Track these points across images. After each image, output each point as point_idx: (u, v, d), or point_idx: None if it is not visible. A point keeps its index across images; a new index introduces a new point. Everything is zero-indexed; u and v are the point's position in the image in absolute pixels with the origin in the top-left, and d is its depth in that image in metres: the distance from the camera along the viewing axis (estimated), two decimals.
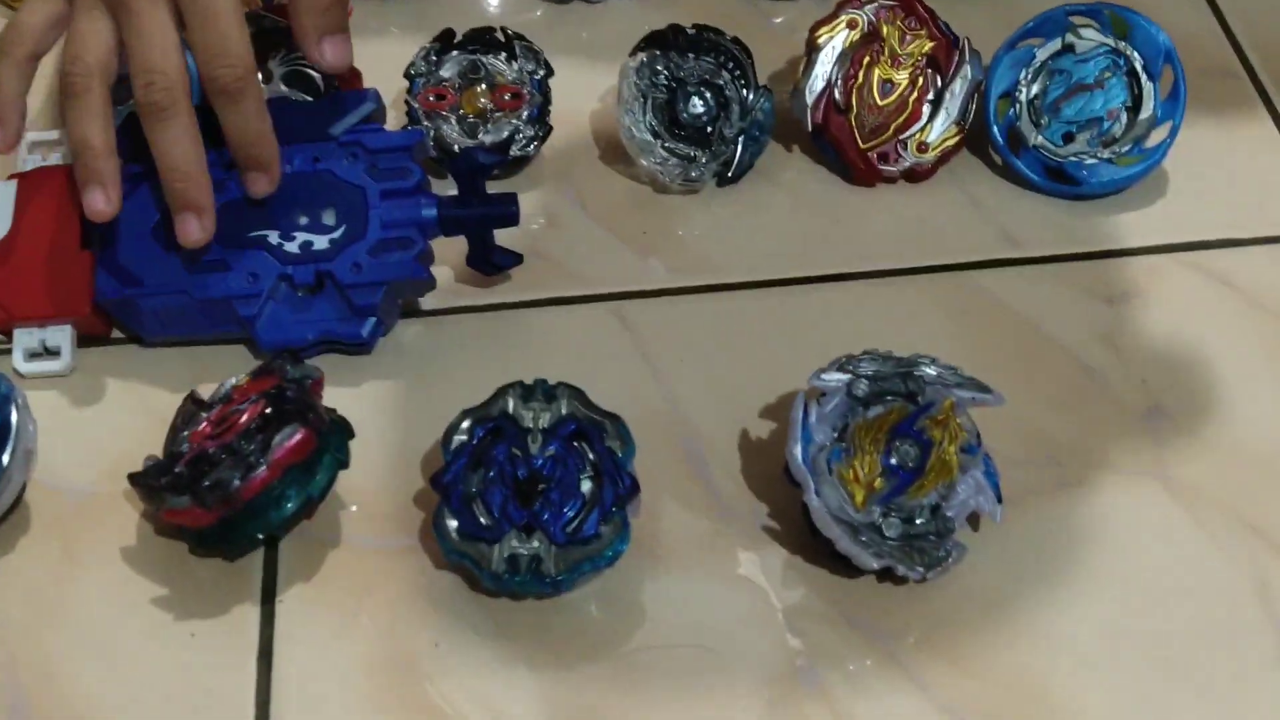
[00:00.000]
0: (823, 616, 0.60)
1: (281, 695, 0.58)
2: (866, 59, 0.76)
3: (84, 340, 0.69)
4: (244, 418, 0.60)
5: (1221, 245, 0.74)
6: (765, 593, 0.61)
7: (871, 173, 0.76)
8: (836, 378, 0.61)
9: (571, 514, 0.59)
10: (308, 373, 0.62)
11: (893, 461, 0.61)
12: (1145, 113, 0.74)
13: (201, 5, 0.63)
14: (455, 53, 0.77)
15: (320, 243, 0.68)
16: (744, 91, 0.75)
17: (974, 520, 0.63)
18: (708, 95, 0.75)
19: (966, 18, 0.78)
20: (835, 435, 0.61)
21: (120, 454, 0.64)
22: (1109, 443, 0.66)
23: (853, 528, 0.59)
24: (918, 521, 0.60)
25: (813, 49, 0.76)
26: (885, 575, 0.61)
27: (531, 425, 0.61)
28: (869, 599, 0.61)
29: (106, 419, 0.67)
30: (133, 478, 0.60)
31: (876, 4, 0.76)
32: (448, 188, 0.69)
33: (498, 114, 0.76)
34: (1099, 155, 0.74)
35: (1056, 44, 0.75)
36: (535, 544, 0.59)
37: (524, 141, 0.75)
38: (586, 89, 0.80)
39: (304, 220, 0.68)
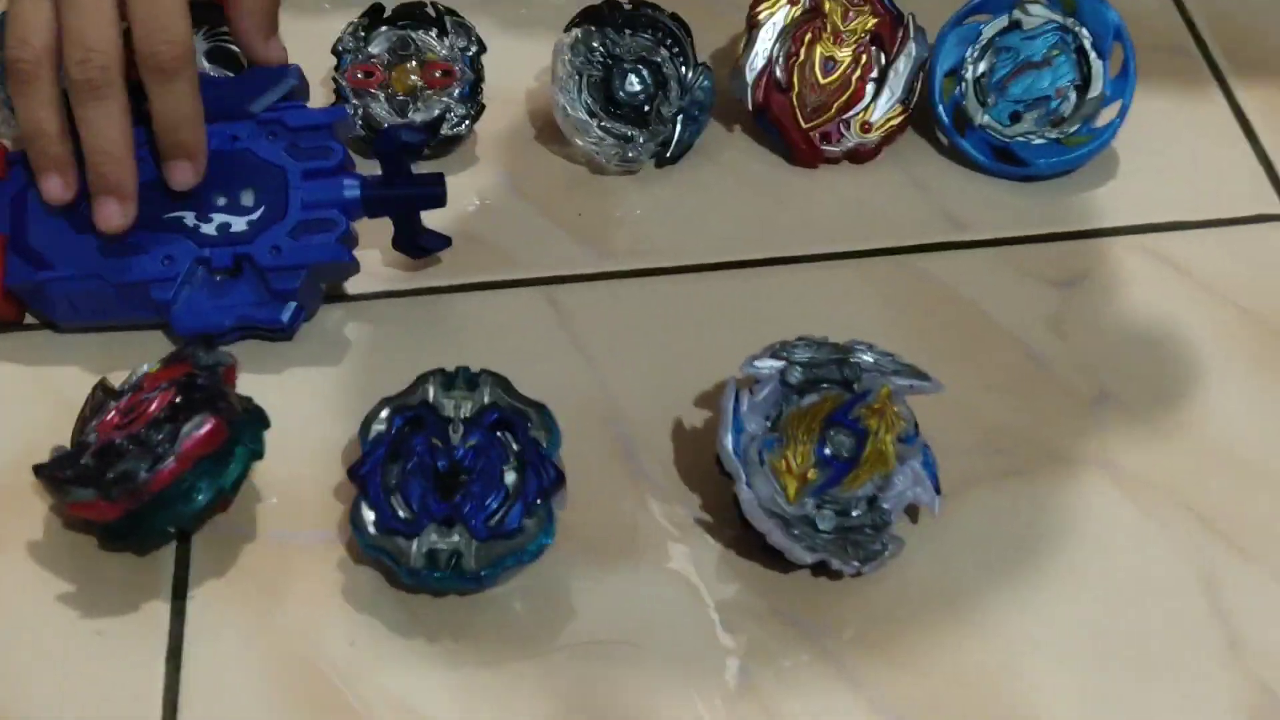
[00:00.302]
0: (756, 612, 0.58)
1: (190, 696, 0.56)
2: (808, 36, 0.74)
3: None
4: (153, 407, 0.58)
5: (1173, 228, 0.72)
6: (697, 588, 0.59)
7: (813, 153, 0.74)
8: (769, 364, 0.59)
9: (494, 507, 0.57)
10: (220, 359, 0.60)
11: (827, 452, 0.59)
12: (1094, 91, 0.73)
13: None
14: (384, 28, 0.74)
15: (238, 225, 0.65)
16: (683, 69, 0.74)
17: (913, 512, 0.61)
18: (645, 73, 0.74)
19: None
20: (768, 424, 0.59)
21: (29, 444, 0.62)
22: (1054, 431, 0.64)
23: (785, 521, 0.57)
24: (853, 514, 0.58)
25: (753, 25, 0.74)
26: (820, 570, 0.59)
27: (453, 414, 0.59)
28: (804, 594, 0.59)
29: (16, 408, 0.65)
30: (37, 469, 0.57)
31: None
32: (376, 168, 0.67)
33: (428, 92, 0.73)
34: (1047, 135, 0.73)
35: (1003, 20, 0.73)
36: (455, 538, 0.57)
37: (455, 120, 0.73)
38: (522, 66, 0.78)
39: (222, 201, 0.66)
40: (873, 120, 0.74)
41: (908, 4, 0.74)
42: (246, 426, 0.59)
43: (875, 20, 0.74)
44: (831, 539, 0.57)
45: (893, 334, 0.66)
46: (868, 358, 0.60)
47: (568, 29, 0.73)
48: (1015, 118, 0.73)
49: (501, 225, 0.72)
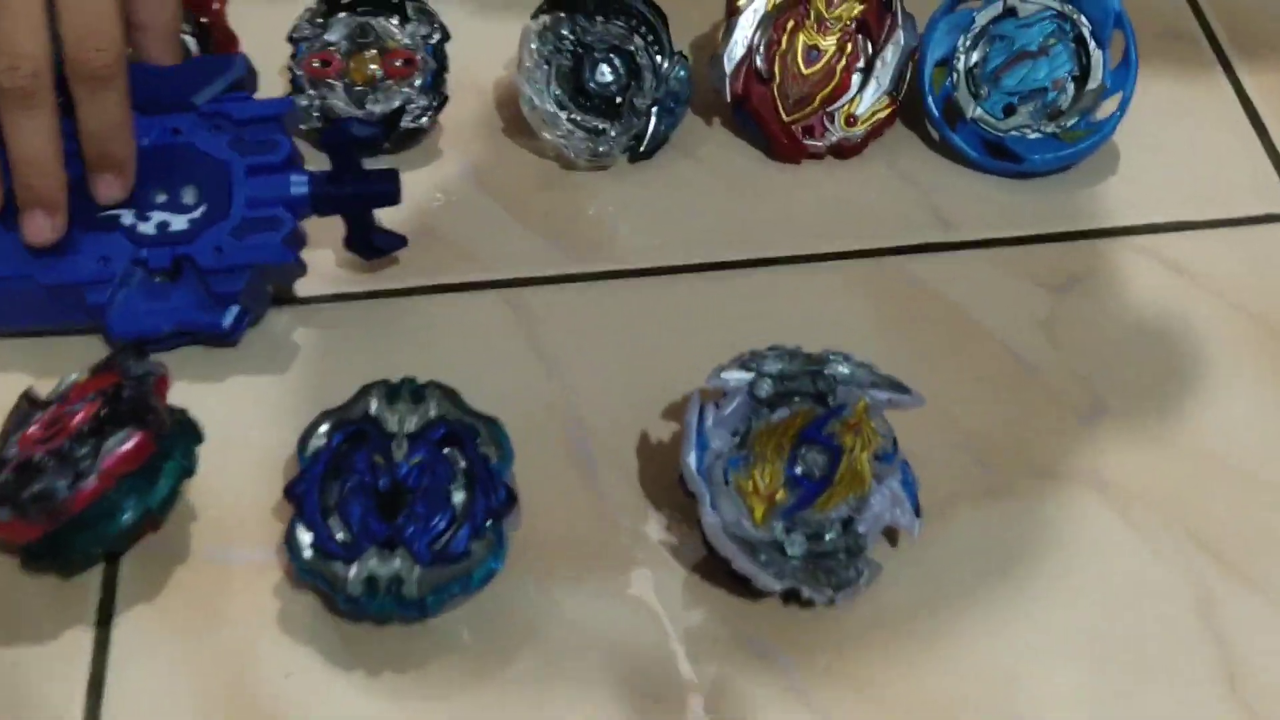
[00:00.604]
0: (722, 642, 0.55)
1: None
2: (791, 23, 0.71)
3: None
4: (77, 419, 0.55)
5: (1176, 228, 0.69)
6: (659, 616, 0.56)
7: (796, 148, 0.71)
8: (737, 376, 0.56)
9: (439, 528, 0.54)
10: (150, 369, 0.56)
11: (798, 471, 0.55)
12: (1093, 83, 0.70)
13: None
14: (343, 15, 0.71)
15: (178, 223, 0.62)
16: (658, 58, 0.70)
17: (891, 535, 0.57)
18: (617, 62, 0.70)
19: None
20: (736, 441, 0.55)
21: None
22: (1045, 445, 0.61)
23: (752, 546, 0.53)
24: (826, 538, 0.54)
25: (733, 12, 0.71)
26: (792, 597, 0.55)
27: (397, 429, 0.56)
28: (773, 622, 0.55)
29: None
30: None
31: None
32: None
33: (388, 82, 0.70)
34: (1043, 129, 0.70)
35: (997, 7, 0.70)
36: (397, 563, 0.53)
37: (417, 112, 0.70)
38: (488, 55, 0.74)
39: (161, 198, 0.63)
40: (858, 113, 0.71)
41: None
42: (177, 440, 0.56)
43: (862, 7, 0.71)
44: (802, 565, 0.54)
45: (875, 340, 0.63)
46: (843, 369, 0.56)
47: (535, 15, 0.70)
48: (1009, 111, 0.70)
49: (463, 223, 0.69)
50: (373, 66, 0.70)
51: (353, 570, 0.53)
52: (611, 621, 0.55)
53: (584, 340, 0.64)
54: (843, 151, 0.71)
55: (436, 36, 0.71)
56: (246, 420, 0.61)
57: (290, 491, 0.55)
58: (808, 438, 0.55)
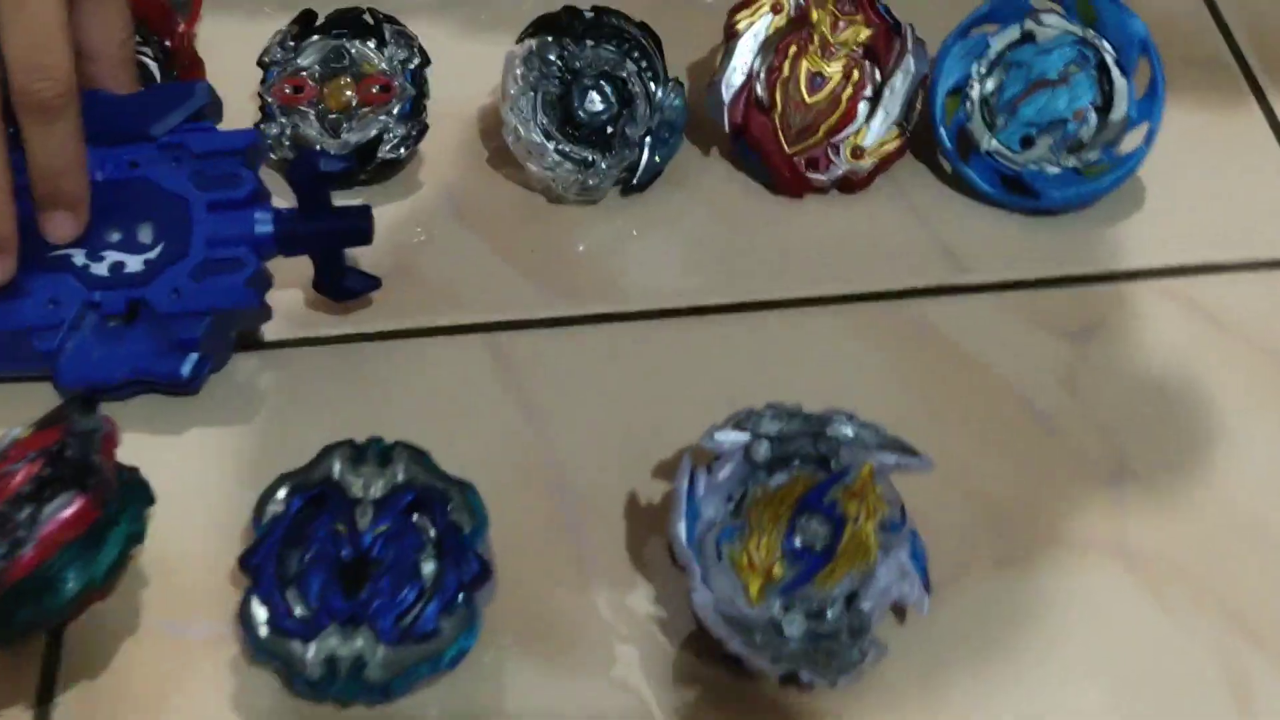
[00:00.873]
0: None
1: None
2: (793, 48, 0.68)
3: None
4: (16, 480, 0.51)
5: (1205, 270, 0.66)
6: (647, 702, 0.52)
7: (798, 181, 0.68)
8: (732, 437, 0.52)
9: (407, 604, 0.50)
10: (96, 425, 0.53)
11: (797, 543, 0.51)
12: (1117, 113, 0.67)
13: (16, 2, 0.55)
14: (316, 38, 0.69)
15: (134, 264, 0.59)
16: (651, 85, 0.68)
17: (899, 610, 0.53)
18: (608, 89, 0.68)
19: (910, 0, 0.70)
20: (731, 508, 0.51)
21: None
22: (1064, 509, 0.58)
23: (746, 626, 0.49)
24: (827, 617, 0.51)
25: (731, 36, 0.68)
26: (790, 679, 0.51)
27: (361, 494, 0.52)
28: (771, 707, 0.52)
29: None
30: None
31: None
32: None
33: (364, 109, 0.67)
34: (1063, 163, 0.67)
35: (1014, 32, 0.68)
36: (359, 642, 0.50)
37: (394, 141, 0.67)
38: (471, 81, 0.71)
39: (115, 237, 0.60)
40: (865, 144, 0.68)
41: (906, 13, 0.69)
42: (126, 503, 0.52)
43: (869, 31, 0.68)
44: (801, 647, 0.50)
45: (881, 390, 0.60)
46: (847, 430, 0.52)
47: (520, 39, 0.67)
48: (1027, 143, 0.68)
49: (443, 261, 0.66)
50: (348, 93, 0.68)
51: (311, 650, 0.50)
52: (594, 706, 0.52)
53: (569, 389, 0.61)
54: (848, 185, 0.68)
55: (416, 61, 0.68)
56: (205, 477, 0.58)
57: (245, 563, 0.51)
58: (808, 506, 0.52)
